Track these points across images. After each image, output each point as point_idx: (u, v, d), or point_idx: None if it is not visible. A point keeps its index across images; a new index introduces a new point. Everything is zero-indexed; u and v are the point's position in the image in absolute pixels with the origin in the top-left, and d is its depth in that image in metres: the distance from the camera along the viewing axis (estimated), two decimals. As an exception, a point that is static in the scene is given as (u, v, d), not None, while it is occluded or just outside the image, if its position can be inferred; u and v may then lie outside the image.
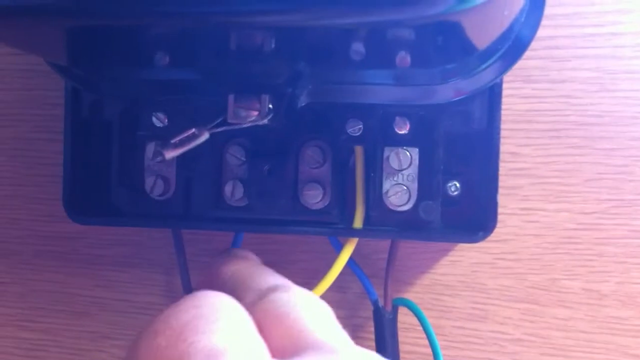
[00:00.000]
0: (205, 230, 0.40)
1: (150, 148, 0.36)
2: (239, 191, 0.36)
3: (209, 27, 0.25)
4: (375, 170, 0.35)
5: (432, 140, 0.34)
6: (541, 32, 0.34)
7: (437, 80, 0.31)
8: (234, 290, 0.23)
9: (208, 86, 0.32)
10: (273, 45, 0.28)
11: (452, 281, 0.38)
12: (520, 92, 0.37)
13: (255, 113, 0.29)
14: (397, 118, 0.34)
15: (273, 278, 0.23)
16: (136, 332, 0.41)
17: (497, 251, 0.38)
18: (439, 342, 0.36)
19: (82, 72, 0.34)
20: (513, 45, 0.31)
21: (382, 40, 0.28)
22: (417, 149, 0.34)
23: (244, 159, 0.36)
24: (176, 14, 0.22)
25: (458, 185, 0.35)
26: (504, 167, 0.37)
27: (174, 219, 0.37)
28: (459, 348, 0.38)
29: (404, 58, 0.29)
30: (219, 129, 0.30)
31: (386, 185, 0.35)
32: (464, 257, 0.38)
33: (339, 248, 0.35)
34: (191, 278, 0.38)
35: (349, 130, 0.35)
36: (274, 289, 0.22)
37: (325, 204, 0.35)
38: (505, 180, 0.37)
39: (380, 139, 0.35)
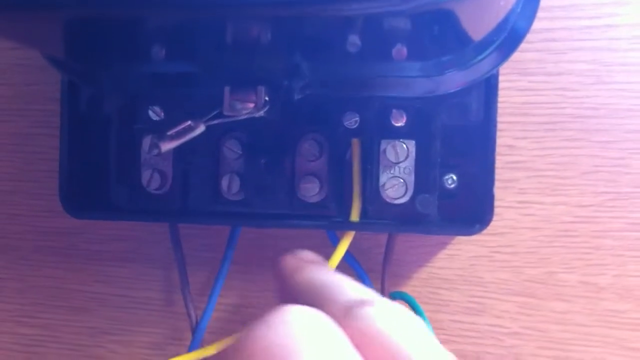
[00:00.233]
0: (202, 224, 0.40)
1: (147, 141, 0.36)
2: (236, 185, 0.36)
3: (205, 17, 0.25)
4: (372, 163, 0.35)
5: (429, 132, 0.34)
6: (537, 25, 0.34)
7: (433, 72, 0.31)
8: (315, 300, 0.22)
9: (204, 79, 0.32)
10: (269, 37, 0.28)
11: (450, 275, 0.38)
12: (516, 84, 0.37)
13: (251, 105, 0.29)
14: (394, 110, 0.34)
15: (355, 287, 0.22)
16: (135, 328, 0.41)
17: (494, 244, 0.38)
18: (436, 336, 0.35)
19: (78, 65, 0.34)
20: (509, 36, 0.31)
21: (378, 32, 0.28)
22: (413, 142, 0.34)
23: (240, 152, 0.36)
24: (171, 3, 0.22)
25: (455, 178, 0.35)
26: (500, 160, 0.37)
27: (171, 213, 0.37)
28: (456, 342, 0.38)
29: (400, 50, 0.29)
30: (215, 121, 0.30)
31: (383, 178, 0.35)
32: (461, 250, 0.38)
33: (336, 242, 0.35)
34: (188, 273, 0.38)
35: (346, 123, 0.35)
36: (362, 302, 0.21)
37: (322, 197, 0.36)
38: (501, 173, 0.37)
39: (377, 131, 0.35)
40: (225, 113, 0.29)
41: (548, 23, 0.36)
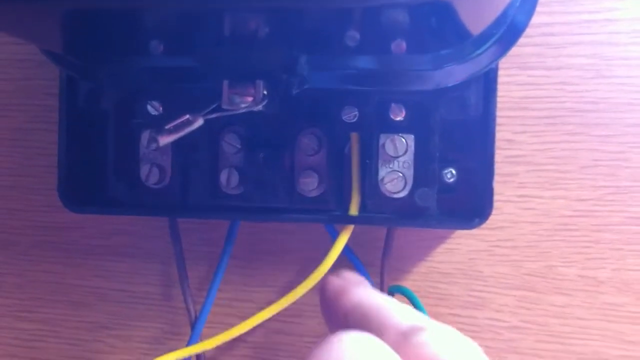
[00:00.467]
0: (201, 218, 0.40)
1: (145, 136, 0.36)
2: (235, 179, 0.36)
3: (203, 9, 0.25)
4: (371, 157, 0.35)
5: (428, 127, 0.34)
6: (537, 19, 0.34)
7: (432, 65, 0.31)
8: (366, 324, 0.22)
9: (203, 73, 0.32)
10: (268, 31, 0.28)
11: (449, 269, 0.38)
12: (516, 79, 0.37)
13: (250, 99, 0.29)
14: (393, 105, 0.34)
15: (404, 310, 0.23)
16: (134, 323, 0.41)
17: (493, 239, 0.38)
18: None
19: (77, 60, 0.34)
20: (508, 30, 0.30)
21: (377, 25, 0.28)
22: (412, 136, 0.34)
23: (239, 146, 0.36)
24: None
25: (454, 172, 0.35)
26: (499, 154, 0.37)
27: (170, 207, 0.37)
28: (456, 335, 0.38)
29: (399, 44, 0.29)
30: (214, 115, 0.30)
31: (382, 172, 0.35)
32: (461, 244, 0.38)
33: (335, 236, 0.35)
34: (187, 267, 0.38)
35: (345, 117, 0.35)
36: (416, 328, 0.21)
37: (321, 192, 0.35)
38: (501, 167, 0.37)
39: (375, 125, 0.35)
40: (224, 107, 0.29)
41: (547, 17, 0.36)
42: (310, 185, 0.35)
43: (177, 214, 0.38)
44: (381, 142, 0.34)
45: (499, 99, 0.33)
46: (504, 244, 0.38)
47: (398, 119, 0.34)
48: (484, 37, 0.30)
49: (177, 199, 0.37)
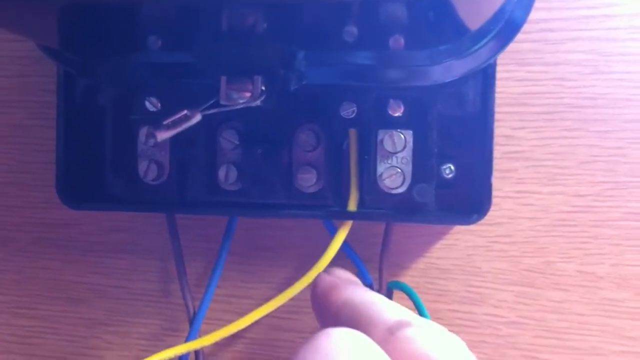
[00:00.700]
0: (199, 215, 0.40)
1: (143, 132, 0.36)
2: (233, 175, 0.36)
3: (200, 4, 0.25)
4: (369, 153, 0.35)
5: (427, 122, 0.34)
6: (535, 15, 0.34)
7: (430, 61, 0.31)
8: (355, 321, 0.23)
9: (201, 69, 0.32)
10: (265, 27, 0.28)
11: (447, 265, 0.38)
12: (514, 75, 0.37)
13: (248, 94, 0.29)
14: (391, 100, 0.34)
15: (393, 307, 0.23)
16: (132, 319, 0.41)
17: (491, 234, 0.38)
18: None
19: (74, 56, 0.34)
20: (506, 25, 0.30)
21: (375, 21, 0.28)
22: (411, 132, 0.34)
23: (237, 142, 0.36)
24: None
25: (452, 167, 0.35)
26: (498, 150, 0.37)
27: (168, 203, 0.37)
28: (454, 331, 0.37)
29: (397, 40, 0.29)
30: (212, 111, 0.30)
31: (380, 168, 0.34)
32: (459, 240, 0.38)
33: (333, 231, 0.35)
34: (186, 263, 0.38)
35: (343, 113, 0.35)
36: (403, 323, 0.22)
37: (320, 188, 0.35)
38: (499, 163, 0.37)
39: (374, 121, 0.34)
40: (222, 102, 0.29)
41: (545, 13, 0.36)
42: (308, 181, 0.35)
43: (175, 210, 0.38)
44: (379, 138, 0.34)
45: (497, 95, 0.33)
46: (502, 240, 0.38)
47: (396, 114, 0.34)
48: (482, 32, 0.30)
49: (175, 195, 0.37)
